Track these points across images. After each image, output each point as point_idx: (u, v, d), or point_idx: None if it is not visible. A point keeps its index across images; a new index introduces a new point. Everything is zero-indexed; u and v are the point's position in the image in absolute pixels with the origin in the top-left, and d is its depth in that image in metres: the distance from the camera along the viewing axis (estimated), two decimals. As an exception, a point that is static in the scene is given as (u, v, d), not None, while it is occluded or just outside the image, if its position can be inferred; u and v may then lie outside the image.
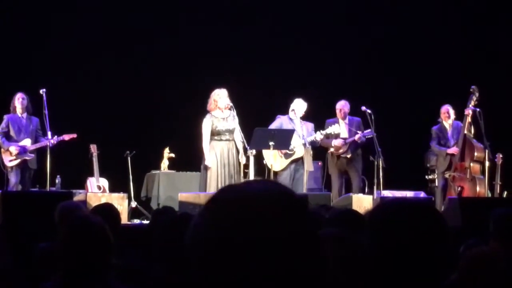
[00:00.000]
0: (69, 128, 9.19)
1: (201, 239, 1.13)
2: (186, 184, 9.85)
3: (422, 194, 9.69)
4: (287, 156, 8.96)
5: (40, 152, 9.00)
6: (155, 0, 11.49)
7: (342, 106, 9.45)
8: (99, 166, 9.52)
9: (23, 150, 8.87)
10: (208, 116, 8.66)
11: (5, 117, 9.02)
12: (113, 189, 9.42)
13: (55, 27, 10.93)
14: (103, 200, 7.58)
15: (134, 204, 9.60)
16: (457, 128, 9.44)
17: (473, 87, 9.22)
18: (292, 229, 1.12)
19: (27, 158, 8.89)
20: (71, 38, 10.93)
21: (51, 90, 9.01)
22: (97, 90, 10.85)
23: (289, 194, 1.17)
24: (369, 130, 9.16)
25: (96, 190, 9.27)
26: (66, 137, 9.01)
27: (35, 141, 8.99)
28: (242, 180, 8.19)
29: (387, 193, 9.19)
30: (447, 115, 9.49)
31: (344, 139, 9.34)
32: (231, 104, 8.63)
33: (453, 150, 9.29)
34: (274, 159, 8.85)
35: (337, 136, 9.31)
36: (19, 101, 8.99)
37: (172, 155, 10.52)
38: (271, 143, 8.48)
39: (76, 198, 7.82)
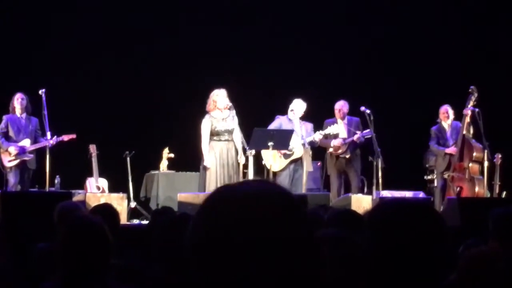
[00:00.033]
0: (68, 128, 9.19)
1: (197, 239, 1.14)
2: (185, 184, 9.85)
3: (421, 194, 9.69)
4: (286, 156, 8.96)
5: (40, 152, 9.00)
6: (155, 0, 11.50)
7: (341, 106, 9.45)
8: (99, 166, 9.52)
9: (22, 151, 8.87)
10: (207, 117, 8.66)
11: (4, 117, 9.01)
12: (112, 189, 9.42)
13: (55, 27, 10.93)
14: (102, 200, 7.57)
15: (133, 204, 9.60)
16: (456, 128, 9.44)
17: (472, 87, 9.22)
18: (287, 229, 1.12)
19: (26, 158, 8.88)
20: (71, 38, 10.93)
21: (50, 90, 9.00)
22: (97, 90, 10.85)
23: (285, 194, 1.17)
24: (368, 130, 9.16)
25: (96, 190, 9.27)
26: (65, 137, 9.01)
27: (34, 141, 8.98)
28: (241, 180, 8.19)
29: (386, 193, 9.19)
30: (446, 115, 9.49)
31: (343, 139, 9.34)
32: (230, 104, 8.63)
33: (452, 150, 9.29)
34: (273, 160, 8.85)
35: (336, 136, 9.31)
36: (18, 101, 8.99)
37: (171, 155, 10.52)
38: (270, 144, 8.48)
39: (75, 198, 7.81)
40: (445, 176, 9.34)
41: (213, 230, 1.12)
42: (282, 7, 11.58)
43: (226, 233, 1.11)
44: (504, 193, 9.59)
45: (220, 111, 8.65)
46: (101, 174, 9.57)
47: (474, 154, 9.16)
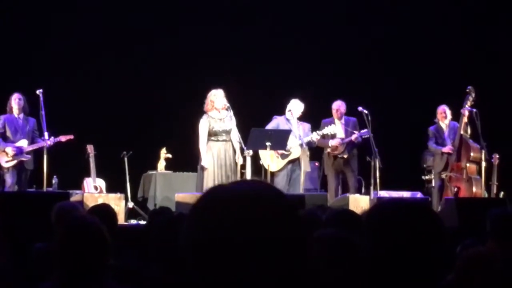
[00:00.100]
0: (66, 128, 9.18)
1: (189, 239, 1.14)
2: (183, 184, 9.85)
3: (418, 195, 9.69)
4: (283, 156, 8.95)
5: (37, 153, 8.98)
6: (155, 0, 11.50)
7: (339, 106, 9.45)
8: (96, 166, 9.51)
9: (19, 151, 8.86)
10: (205, 117, 8.66)
11: (2, 117, 8.99)
12: (110, 189, 9.41)
13: (55, 27, 10.93)
14: (100, 201, 7.57)
15: (131, 204, 9.60)
16: (454, 128, 9.45)
17: (469, 87, 9.23)
18: (280, 228, 1.12)
19: (23, 159, 8.87)
20: (71, 38, 10.93)
21: (48, 90, 8.99)
22: (95, 90, 10.85)
23: (277, 194, 1.17)
24: (365, 130, 9.16)
25: (93, 191, 9.26)
26: (63, 138, 8.99)
27: (31, 142, 8.97)
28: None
29: (384, 194, 9.19)
30: (444, 115, 9.50)
31: (341, 139, 9.35)
32: (228, 104, 8.62)
33: (448, 148, 9.30)
34: (270, 160, 8.85)
35: (333, 136, 9.31)
36: (15, 101, 8.97)
37: (169, 155, 10.52)
38: (267, 144, 8.48)
39: (73, 199, 7.81)
40: (443, 176, 9.35)
41: (205, 230, 1.13)
42: (282, 7, 11.59)
43: (218, 233, 1.11)
44: (502, 193, 9.60)
45: (217, 111, 8.65)
46: (98, 174, 9.56)
47: (472, 154, 9.17)
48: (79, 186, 9.53)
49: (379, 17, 11.53)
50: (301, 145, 8.90)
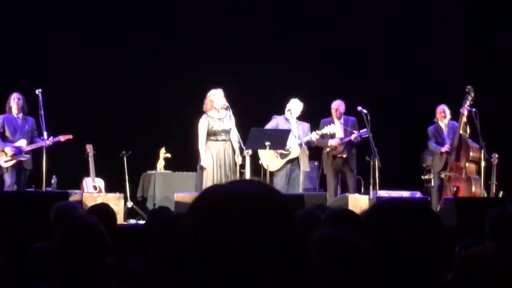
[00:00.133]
0: (65, 128, 9.17)
1: (186, 239, 1.14)
2: (182, 184, 9.85)
3: (418, 194, 9.70)
4: (283, 156, 8.96)
5: (36, 152, 8.98)
6: (155, 0, 11.50)
7: (338, 105, 9.45)
8: (95, 166, 9.51)
9: (18, 151, 8.85)
10: (204, 117, 8.66)
11: (1, 117, 8.98)
12: (109, 189, 9.41)
13: (55, 27, 10.93)
14: (99, 200, 7.56)
15: (130, 204, 9.60)
16: (453, 128, 9.45)
17: (468, 87, 9.23)
18: (276, 228, 1.12)
19: (22, 159, 8.86)
20: (71, 38, 10.93)
21: (47, 90, 8.99)
22: (94, 90, 10.86)
23: (274, 193, 1.17)
24: (365, 130, 9.16)
25: (92, 190, 9.26)
26: (62, 138, 8.99)
27: (30, 141, 8.96)
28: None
29: (383, 193, 9.20)
30: (443, 115, 9.50)
31: (340, 139, 9.34)
32: (227, 104, 8.62)
33: (445, 148, 9.31)
34: (270, 159, 8.85)
35: (332, 136, 9.31)
36: (14, 101, 8.96)
37: (168, 155, 10.52)
38: (267, 143, 8.48)
39: (72, 198, 7.80)
40: (442, 176, 9.35)
41: (202, 230, 1.12)
42: (281, 7, 11.59)
43: (215, 233, 1.11)
44: (501, 193, 9.60)
45: (217, 111, 8.64)
46: (97, 174, 9.56)
47: (471, 154, 9.18)
48: (78, 186, 9.53)
49: (379, 17, 11.54)
50: (300, 144, 8.90)
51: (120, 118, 10.93)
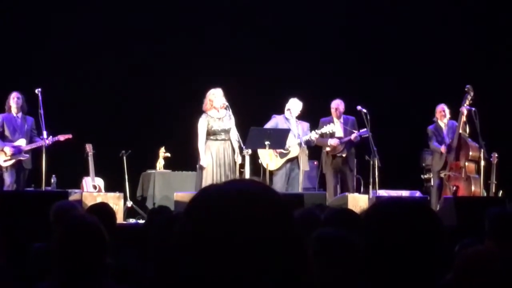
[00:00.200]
0: (65, 127, 9.17)
1: (182, 238, 1.14)
2: (182, 183, 9.85)
3: (417, 194, 9.70)
4: (282, 155, 8.96)
5: (36, 152, 8.98)
6: (155, 0, 11.49)
7: (337, 105, 9.45)
8: (95, 165, 9.51)
9: (17, 151, 8.85)
10: (203, 116, 8.65)
11: (0, 116, 8.98)
12: (108, 188, 9.41)
13: (55, 27, 10.92)
14: (98, 200, 7.57)
15: (129, 203, 9.60)
16: (452, 127, 9.46)
17: (468, 86, 9.23)
18: (273, 228, 1.12)
19: (22, 158, 8.86)
20: (71, 38, 10.92)
21: (47, 90, 8.99)
22: (93, 89, 10.86)
23: (271, 193, 1.17)
24: (365, 130, 9.16)
25: (92, 190, 9.26)
26: (61, 137, 8.98)
27: (30, 141, 8.95)
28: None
29: (382, 193, 9.20)
30: (443, 114, 9.50)
31: (339, 138, 9.35)
32: (227, 103, 8.62)
33: (442, 148, 9.33)
34: (269, 159, 8.85)
35: (332, 135, 9.32)
36: (14, 100, 8.95)
37: (168, 154, 10.52)
38: (266, 143, 8.48)
39: (71, 198, 7.81)
40: (442, 175, 9.35)
41: (199, 230, 1.12)
42: (282, 7, 11.59)
43: (212, 233, 1.11)
44: (501, 192, 9.60)
45: (216, 111, 8.64)
46: (97, 174, 9.56)
47: (471, 153, 9.18)
48: (77, 185, 9.53)
49: (379, 17, 11.53)
50: (299, 144, 8.90)
51: (120, 117, 10.93)
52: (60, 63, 10.76)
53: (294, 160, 8.98)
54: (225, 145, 8.63)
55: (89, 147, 9.54)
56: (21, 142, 8.89)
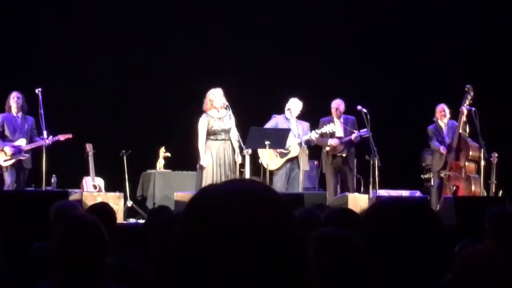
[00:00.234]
0: (65, 127, 9.17)
1: (181, 238, 1.14)
2: (182, 183, 9.85)
3: (417, 193, 9.70)
4: (282, 155, 8.96)
5: (36, 152, 8.98)
6: (155, 0, 11.50)
7: (338, 104, 9.45)
8: (95, 165, 9.51)
9: (18, 150, 8.85)
10: (204, 116, 8.66)
11: (0, 116, 8.98)
12: (108, 188, 9.41)
13: (55, 27, 10.92)
14: (98, 200, 7.57)
15: (129, 203, 9.60)
16: (452, 127, 9.46)
17: (467, 86, 9.23)
18: (273, 228, 1.12)
19: (22, 158, 8.86)
20: (71, 38, 10.92)
21: (47, 90, 8.99)
22: (93, 89, 10.86)
23: (271, 193, 1.17)
24: (365, 130, 9.16)
25: (92, 190, 9.26)
26: (62, 137, 8.98)
27: (30, 140, 8.95)
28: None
29: (383, 192, 9.20)
30: (443, 114, 9.50)
31: (340, 138, 9.35)
32: (227, 103, 8.62)
33: (442, 149, 9.33)
34: (269, 158, 8.85)
35: (332, 134, 9.32)
36: (14, 100, 8.95)
37: (168, 154, 10.52)
38: (266, 142, 8.48)
39: (71, 198, 7.80)
40: (442, 175, 9.35)
41: (198, 230, 1.12)
42: (281, 7, 11.59)
43: (212, 233, 1.11)
44: (501, 192, 9.60)
45: (216, 110, 8.64)
46: (97, 173, 9.56)
47: (471, 153, 9.18)
48: (78, 185, 9.53)
49: (379, 17, 11.53)
50: (300, 143, 8.90)
51: (120, 117, 10.94)
52: (60, 63, 10.76)
53: (294, 160, 8.98)
54: (225, 145, 8.63)
55: (89, 147, 9.54)
56: (21, 142, 8.89)
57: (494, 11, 11.38)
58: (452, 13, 11.55)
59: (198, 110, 8.75)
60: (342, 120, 9.46)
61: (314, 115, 9.41)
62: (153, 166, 10.46)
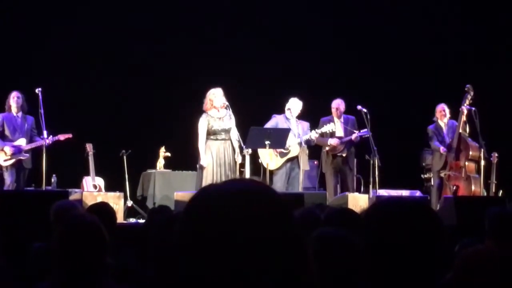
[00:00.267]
0: (65, 127, 9.17)
1: (180, 238, 1.14)
2: (182, 183, 9.85)
3: (417, 193, 9.70)
4: (282, 155, 8.96)
5: (36, 151, 8.98)
6: (155, 0, 11.50)
7: (338, 104, 9.46)
8: (95, 165, 9.51)
9: (18, 150, 8.85)
10: (204, 116, 8.66)
11: (0, 116, 8.98)
12: (109, 188, 9.41)
13: (55, 27, 10.92)
14: (99, 199, 7.57)
15: (130, 203, 9.60)
16: (452, 127, 9.46)
17: (467, 86, 9.24)
18: (272, 228, 1.12)
19: (21, 158, 8.86)
20: (71, 38, 10.93)
21: (47, 89, 8.99)
22: (93, 89, 10.86)
23: (270, 193, 1.17)
24: (365, 130, 9.16)
25: (92, 189, 9.26)
26: (62, 137, 8.98)
27: (30, 140, 8.95)
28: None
29: (383, 192, 9.20)
30: (443, 114, 9.51)
31: (340, 137, 9.35)
32: (227, 103, 8.62)
33: (442, 149, 9.33)
34: (269, 158, 8.85)
35: (332, 134, 9.32)
36: (14, 99, 8.95)
37: (168, 154, 10.52)
38: (266, 142, 8.48)
39: (71, 197, 7.80)
40: (442, 175, 9.35)
41: (198, 230, 1.12)
42: (281, 7, 11.59)
43: (212, 233, 1.11)
44: (501, 192, 9.60)
45: (217, 110, 8.64)
46: (97, 173, 9.56)
47: (471, 152, 9.18)
48: (78, 184, 9.53)
49: (379, 17, 11.53)
50: (300, 143, 8.90)
51: (120, 117, 10.94)
52: (60, 63, 10.76)
53: (294, 160, 8.99)
54: (225, 145, 8.64)
55: (89, 147, 9.54)
56: (21, 142, 8.89)
57: (494, 11, 11.38)
58: (452, 13, 11.55)
59: (198, 110, 8.75)
60: (342, 120, 9.46)
61: (314, 115, 9.41)
62: (153, 166, 10.46)
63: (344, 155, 9.37)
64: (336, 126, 9.32)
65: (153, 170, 10.34)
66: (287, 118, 9.09)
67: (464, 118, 9.20)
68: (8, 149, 8.79)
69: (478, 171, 9.19)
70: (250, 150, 8.58)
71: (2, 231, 5.21)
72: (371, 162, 9.19)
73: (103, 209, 4.54)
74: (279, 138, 8.70)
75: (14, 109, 8.96)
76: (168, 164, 10.52)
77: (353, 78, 11.21)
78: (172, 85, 11.06)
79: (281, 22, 11.56)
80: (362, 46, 11.51)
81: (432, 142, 9.57)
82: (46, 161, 8.65)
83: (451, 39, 11.44)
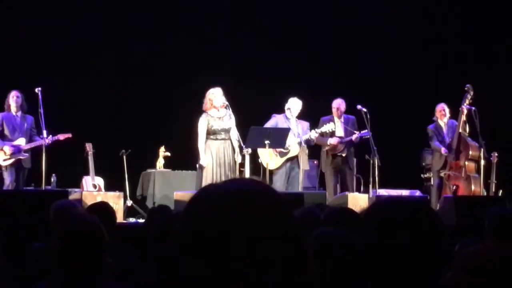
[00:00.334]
0: (65, 126, 9.17)
1: (180, 238, 1.14)
2: (182, 182, 9.86)
3: (417, 193, 9.70)
4: (282, 154, 8.96)
5: (36, 151, 8.98)
6: (155, 0, 11.50)
7: (339, 104, 9.45)
8: (95, 164, 9.51)
9: (17, 150, 8.84)
10: (204, 115, 8.66)
11: None
12: (108, 187, 9.41)
13: (55, 27, 10.92)
14: (98, 199, 7.57)
15: (129, 202, 9.60)
16: (452, 126, 9.46)
17: (467, 85, 9.23)
18: (274, 227, 1.12)
19: (21, 157, 8.86)
20: (71, 37, 10.93)
21: (47, 89, 8.99)
22: (93, 89, 10.86)
23: (270, 193, 1.17)
24: (366, 131, 9.16)
25: (92, 189, 9.26)
26: (61, 136, 8.98)
27: (29, 140, 8.95)
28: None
29: (382, 192, 9.20)
30: (443, 113, 9.50)
31: (340, 137, 9.35)
32: (227, 103, 8.62)
33: (443, 150, 9.33)
34: (269, 158, 8.85)
35: (332, 134, 9.32)
36: (13, 99, 8.95)
37: (168, 154, 10.52)
38: (266, 142, 8.48)
39: (71, 197, 7.81)
40: (442, 174, 9.35)
41: (198, 229, 1.12)
42: (281, 7, 11.59)
43: (211, 232, 1.11)
44: (500, 191, 9.60)
45: (216, 110, 8.64)
46: (97, 173, 9.56)
47: (470, 152, 9.18)
48: (77, 184, 9.53)
49: (379, 17, 11.53)
50: (299, 143, 8.90)
51: (120, 117, 10.94)
52: (60, 63, 10.76)
53: (294, 159, 8.98)
54: (225, 145, 8.63)
55: (89, 146, 9.54)
56: (21, 141, 8.89)
57: (494, 11, 11.38)
58: (452, 13, 11.55)
59: (198, 110, 8.75)
60: (342, 119, 9.46)
61: (314, 114, 9.41)
62: (153, 166, 10.46)
63: (344, 155, 9.37)
64: (336, 126, 9.32)
65: (153, 170, 10.34)
66: (287, 118, 9.09)
67: (464, 117, 9.20)
68: (7, 149, 8.78)
69: (478, 170, 9.19)
70: (250, 150, 8.58)
71: (1, 231, 5.21)
72: (371, 161, 9.19)
73: (103, 208, 4.54)
74: (279, 137, 8.70)
75: (13, 109, 8.95)
76: (168, 163, 10.52)
77: (353, 78, 11.20)
78: (172, 85, 11.06)
79: (281, 22, 11.56)
80: (362, 46, 11.51)
81: (432, 142, 9.57)
82: (45, 160, 8.65)
83: (451, 39, 11.44)
